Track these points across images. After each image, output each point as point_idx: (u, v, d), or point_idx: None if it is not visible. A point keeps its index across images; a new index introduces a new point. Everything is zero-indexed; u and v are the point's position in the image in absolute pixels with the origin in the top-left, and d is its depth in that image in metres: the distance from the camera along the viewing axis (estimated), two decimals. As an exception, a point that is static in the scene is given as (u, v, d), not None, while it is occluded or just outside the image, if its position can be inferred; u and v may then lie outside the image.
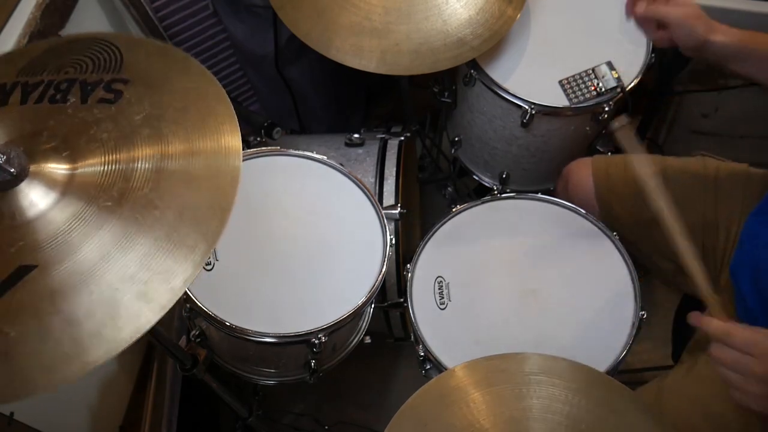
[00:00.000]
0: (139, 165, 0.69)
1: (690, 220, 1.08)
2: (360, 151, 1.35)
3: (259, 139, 1.29)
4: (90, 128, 0.72)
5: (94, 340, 0.62)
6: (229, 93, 1.90)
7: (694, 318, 0.79)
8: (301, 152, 1.18)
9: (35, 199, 0.67)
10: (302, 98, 1.74)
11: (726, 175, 1.08)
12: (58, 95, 0.75)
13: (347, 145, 1.36)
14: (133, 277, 0.64)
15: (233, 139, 0.73)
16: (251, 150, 1.18)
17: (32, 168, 0.67)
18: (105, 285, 0.63)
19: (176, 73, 0.78)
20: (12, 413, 0.92)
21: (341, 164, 1.17)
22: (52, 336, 0.62)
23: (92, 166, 0.69)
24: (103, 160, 0.70)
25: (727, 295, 1.01)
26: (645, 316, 1.03)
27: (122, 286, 0.63)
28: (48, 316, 0.62)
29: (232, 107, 0.75)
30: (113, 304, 0.63)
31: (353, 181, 1.16)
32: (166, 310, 0.63)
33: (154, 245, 0.65)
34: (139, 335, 0.62)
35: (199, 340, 1.08)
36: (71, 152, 0.70)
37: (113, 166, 0.69)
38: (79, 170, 0.69)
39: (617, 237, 1.11)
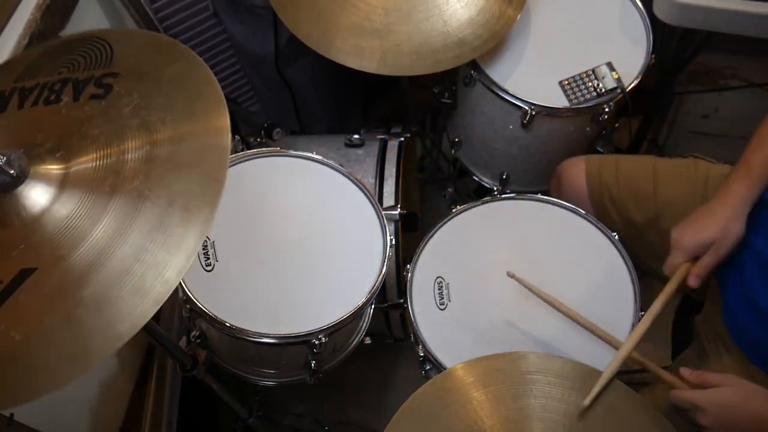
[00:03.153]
0: (129, 157, 0.70)
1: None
2: (360, 151, 1.35)
3: (259, 139, 1.29)
4: (81, 126, 0.72)
5: (94, 338, 0.62)
6: (229, 93, 1.90)
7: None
8: (300, 153, 1.18)
9: (33, 201, 0.67)
10: (302, 98, 1.74)
11: (716, 177, 1.08)
12: (52, 96, 0.76)
13: (347, 145, 1.36)
14: (127, 271, 0.64)
15: (220, 120, 0.72)
16: (251, 151, 1.18)
17: (31, 170, 0.68)
18: (102, 283, 0.64)
19: (165, 61, 0.78)
20: (12, 414, 0.92)
21: (341, 165, 1.17)
22: (54, 336, 0.62)
23: (84, 163, 0.69)
24: (94, 155, 0.70)
25: (716, 299, 1.01)
26: (645, 316, 1.03)
27: (119, 282, 0.64)
28: (49, 316, 0.63)
29: (219, 88, 0.75)
30: (110, 301, 0.63)
31: (353, 182, 1.16)
32: (161, 303, 0.64)
33: (147, 237, 0.65)
34: (135, 331, 0.63)
35: (199, 341, 1.08)
36: (65, 151, 0.70)
37: (104, 161, 0.69)
38: (73, 169, 0.69)
39: (617, 238, 1.11)
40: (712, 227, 0.90)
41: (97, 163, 0.70)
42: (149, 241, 0.65)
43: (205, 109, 0.73)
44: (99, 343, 0.62)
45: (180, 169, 0.69)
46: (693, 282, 0.91)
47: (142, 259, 0.64)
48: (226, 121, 0.72)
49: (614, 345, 0.93)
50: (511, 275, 1.01)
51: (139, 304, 0.63)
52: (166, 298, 0.64)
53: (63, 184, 0.68)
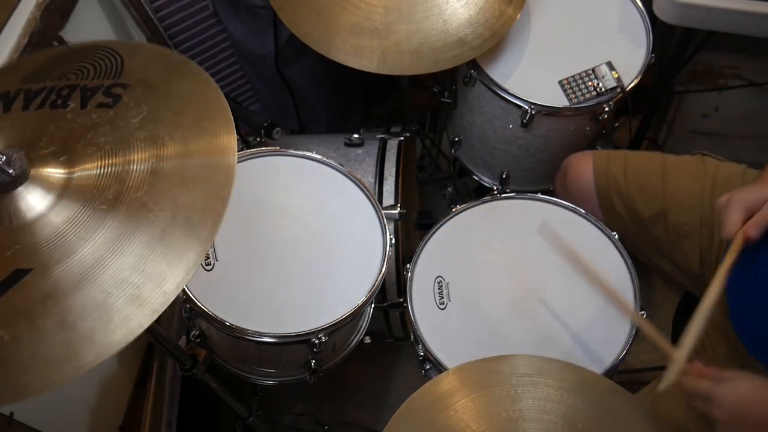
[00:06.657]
0: (135, 167, 0.70)
1: (688, 220, 1.08)
2: (359, 151, 1.35)
3: (258, 139, 1.29)
4: (88, 132, 0.72)
5: (86, 343, 0.62)
6: (228, 93, 1.89)
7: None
8: (300, 152, 1.18)
9: (33, 202, 0.67)
10: (302, 98, 1.74)
11: (724, 175, 1.08)
12: (59, 101, 0.75)
13: (347, 145, 1.36)
14: (125, 280, 0.64)
15: (228, 140, 0.73)
16: (251, 150, 1.18)
17: (32, 172, 0.67)
18: (98, 289, 0.63)
19: (175, 77, 0.78)
20: (12, 413, 0.92)
21: (341, 164, 1.17)
22: (44, 339, 0.62)
23: (88, 170, 0.69)
24: (99, 164, 0.70)
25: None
26: (645, 316, 1.03)
27: (115, 290, 0.63)
28: (41, 319, 0.62)
29: (229, 108, 0.75)
30: (106, 308, 0.63)
31: (353, 181, 1.16)
32: (158, 313, 0.63)
33: (147, 248, 0.65)
34: (130, 339, 0.62)
35: (198, 340, 1.08)
36: (69, 156, 0.70)
37: (109, 170, 0.69)
38: (76, 174, 0.69)
39: (617, 237, 1.11)
40: (764, 187, 0.85)
41: (101, 171, 0.69)
42: (150, 251, 0.65)
43: (213, 128, 0.73)
44: (91, 349, 0.62)
45: (185, 183, 0.69)
46: (753, 232, 0.83)
47: (141, 269, 0.64)
48: (233, 141, 0.72)
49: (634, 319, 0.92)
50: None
51: (136, 313, 0.63)
52: (163, 310, 0.63)
53: (64, 188, 0.68)
